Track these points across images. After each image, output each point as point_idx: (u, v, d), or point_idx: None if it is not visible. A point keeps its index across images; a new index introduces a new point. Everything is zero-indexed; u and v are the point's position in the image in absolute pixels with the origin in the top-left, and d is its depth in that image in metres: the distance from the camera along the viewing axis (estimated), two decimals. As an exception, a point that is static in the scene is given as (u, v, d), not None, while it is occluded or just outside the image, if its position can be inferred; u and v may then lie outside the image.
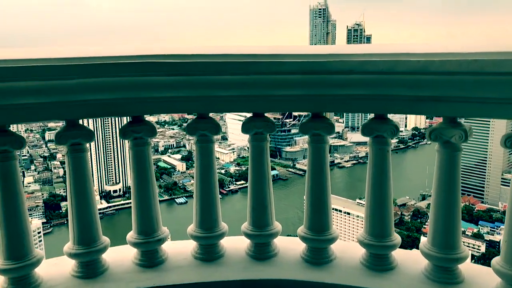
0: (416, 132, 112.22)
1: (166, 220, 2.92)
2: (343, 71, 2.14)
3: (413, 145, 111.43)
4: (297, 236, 2.67)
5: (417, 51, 2.03)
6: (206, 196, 2.62)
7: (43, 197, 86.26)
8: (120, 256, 2.71)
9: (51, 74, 2.13)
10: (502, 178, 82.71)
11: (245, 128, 2.50)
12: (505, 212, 2.20)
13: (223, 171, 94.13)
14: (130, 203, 2.64)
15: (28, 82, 2.13)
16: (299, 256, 2.67)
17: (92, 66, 2.16)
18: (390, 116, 2.41)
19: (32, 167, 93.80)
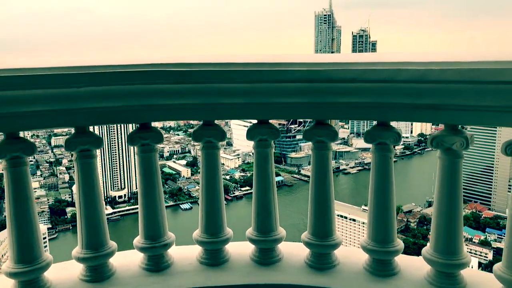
0: (422, 138, 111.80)
1: (170, 226, 2.97)
2: (346, 79, 2.18)
3: (419, 151, 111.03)
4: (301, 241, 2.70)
5: (417, 60, 2.08)
6: (211, 202, 2.67)
7: (48, 202, 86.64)
8: (127, 260, 2.75)
9: (61, 83, 2.20)
10: (509, 185, 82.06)
11: (250, 134, 2.56)
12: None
13: (228, 177, 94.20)
14: (135, 209, 2.71)
15: (39, 90, 2.19)
16: (303, 261, 2.70)
17: (101, 74, 2.22)
18: (394, 123, 2.45)
19: (38, 173, 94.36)
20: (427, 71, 2.01)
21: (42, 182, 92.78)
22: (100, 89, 2.26)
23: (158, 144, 2.58)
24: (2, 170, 2.36)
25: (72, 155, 2.52)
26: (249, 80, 2.28)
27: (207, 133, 2.54)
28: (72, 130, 2.48)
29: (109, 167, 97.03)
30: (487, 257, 64.92)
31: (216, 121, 2.58)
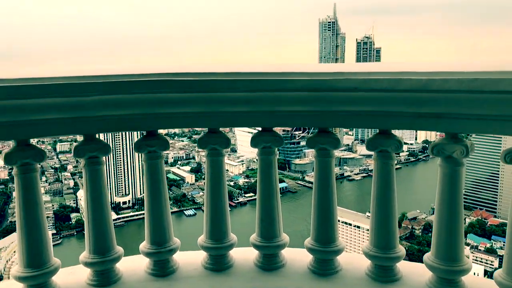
0: (427, 145, 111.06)
1: (174, 232, 3.01)
2: (348, 88, 2.23)
3: (424, 158, 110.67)
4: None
5: (419, 70, 2.12)
6: (216, 208, 2.72)
7: (53, 208, 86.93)
8: (133, 265, 2.80)
9: (71, 91, 2.26)
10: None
11: (254, 142, 2.61)
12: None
13: (232, 183, 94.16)
14: (139, 215, 2.77)
15: (49, 99, 2.26)
16: (306, 267, 2.74)
17: (110, 83, 2.29)
18: (397, 130, 2.50)
19: (43, 178, 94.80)
20: (429, 80, 2.05)
21: (47, 187, 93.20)
22: (109, 98, 2.32)
23: (164, 151, 2.64)
24: (13, 176, 2.42)
25: (79, 161, 2.58)
26: (253, 89, 2.34)
27: (212, 141, 2.60)
28: (79, 137, 2.55)
29: (114, 173, 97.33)
30: (493, 265, 64.30)
31: (221, 129, 2.64)
